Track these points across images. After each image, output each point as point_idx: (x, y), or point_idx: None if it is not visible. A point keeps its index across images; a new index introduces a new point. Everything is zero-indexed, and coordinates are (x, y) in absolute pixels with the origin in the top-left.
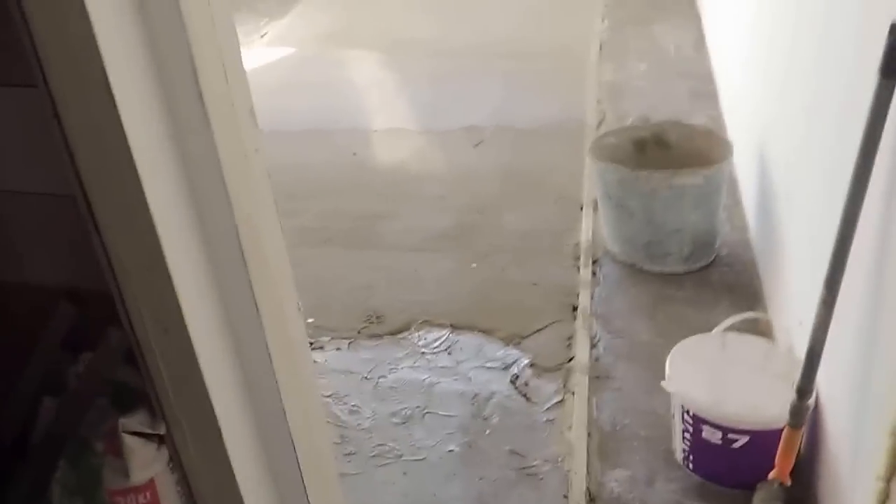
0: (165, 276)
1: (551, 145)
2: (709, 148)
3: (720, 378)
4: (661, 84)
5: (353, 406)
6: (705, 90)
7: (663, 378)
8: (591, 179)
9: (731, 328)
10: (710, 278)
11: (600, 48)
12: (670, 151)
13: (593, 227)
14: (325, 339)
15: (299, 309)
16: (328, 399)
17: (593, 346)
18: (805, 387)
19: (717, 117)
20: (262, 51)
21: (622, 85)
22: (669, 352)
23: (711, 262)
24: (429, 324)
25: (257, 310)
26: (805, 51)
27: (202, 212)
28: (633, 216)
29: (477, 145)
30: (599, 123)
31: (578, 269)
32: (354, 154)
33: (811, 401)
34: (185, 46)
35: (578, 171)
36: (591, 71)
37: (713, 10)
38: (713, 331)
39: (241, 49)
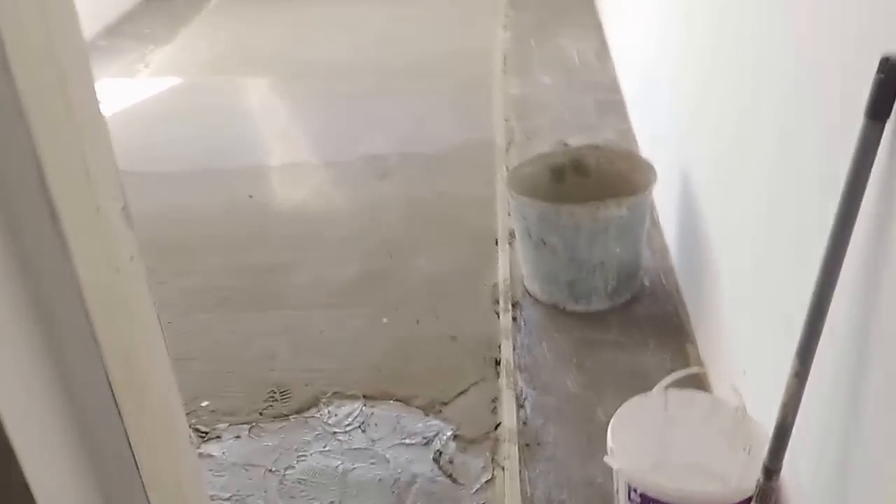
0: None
1: (461, 171)
2: (630, 171)
3: (667, 447)
4: (568, 97)
5: None
6: (612, 101)
7: (597, 439)
8: (506, 210)
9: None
10: (636, 313)
11: (504, 61)
12: (590, 178)
13: (510, 264)
14: (223, 426)
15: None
16: None
17: (520, 406)
18: (774, 466)
19: (627, 130)
20: (146, 81)
21: (529, 99)
22: (600, 406)
23: (635, 293)
24: (339, 396)
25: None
26: (730, 54)
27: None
28: (555, 253)
29: (381, 177)
30: (509, 144)
31: (498, 314)
32: (251, 196)
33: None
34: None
35: (490, 199)
36: (496, 86)
37: (614, 16)
38: (653, 390)
39: (123, 80)
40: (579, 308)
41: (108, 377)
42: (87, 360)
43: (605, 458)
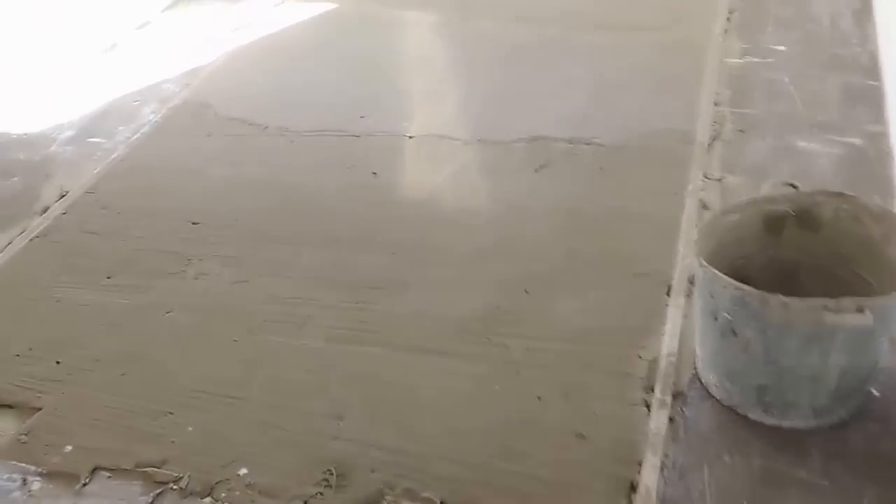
0: None
1: (641, 175)
2: (884, 239)
3: None
4: (806, 76)
5: None
6: (867, 87)
7: None
8: (691, 244)
9: None
10: (851, 442)
11: (729, 16)
12: (819, 234)
13: (681, 331)
14: None
15: None
16: None
17: None
18: None
19: (881, 135)
20: (294, 6)
21: (751, 75)
22: None
23: (856, 411)
24: (411, 496)
25: None
26: None
27: None
28: (746, 349)
29: (539, 169)
30: (713, 139)
31: (649, 407)
32: (374, 174)
33: None
34: None
35: (672, 223)
36: (711, 52)
37: None
38: None
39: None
40: (769, 421)
41: None
42: None
43: None
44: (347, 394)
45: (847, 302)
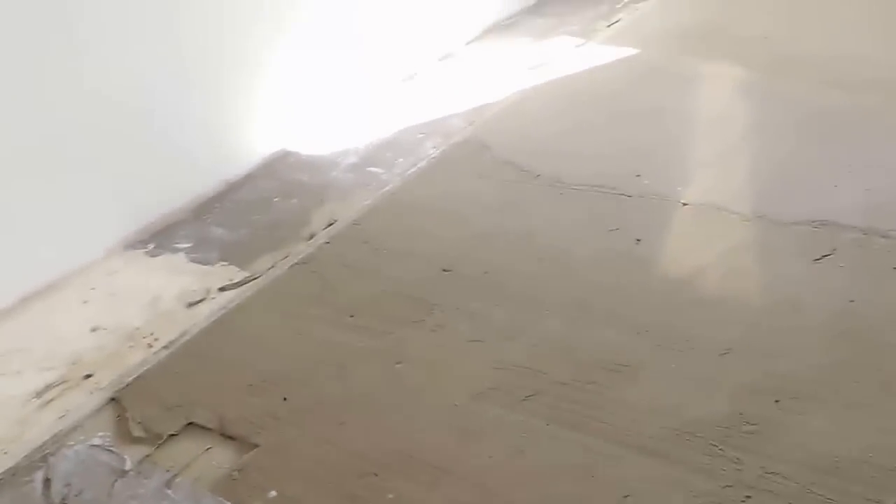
0: None
1: None
2: None
3: None
4: None
5: None
6: None
7: None
8: None
9: None
10: None
11: None
12: None
13: None
14: None
15: None
16: None
17: None
18: None
19: None
20: (597, 49)
21: None
22: None
23: None
24: None
25: None
26: None
27: None
28: None
29: (821, 258)
30: None
31: None
32: (637, 241)
33: None
34: None
35: None
36: None
37: None
38: None
39: (577, 41)
40: None
41: None
42: None
43: None
44: (555, 487)
45: None
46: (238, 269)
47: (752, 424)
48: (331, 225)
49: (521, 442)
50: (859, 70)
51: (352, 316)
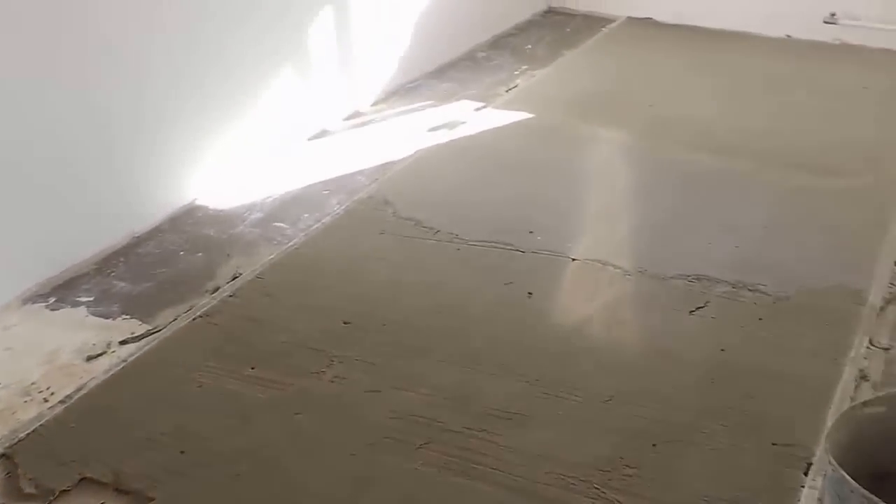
0: None
1: (802, 331)
2: None
3: None
4: None
5: None
6: None
7: None
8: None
9: None
10: None
11: None
12: None
13: None
14: None
15: None
16: None
17: None
18: None
19: None
20: (496, 112)
21: None
22: None
23: None
24: None
25: None
26: None
27: None
28: None
29: (695, 311)
30: (887, 303)
31: None
32: (529, 295)
33: None
34: None
35: (825, 391)
36: None
37: None
38: None
39: (477, 104)
40: None
41: None
42: None
43: None
44: None
45: None
46: (140, 322)
47: (632, 468)
48: (235, 278)
49: (413, 489)
50: (730, 136)
51: (253, 368)
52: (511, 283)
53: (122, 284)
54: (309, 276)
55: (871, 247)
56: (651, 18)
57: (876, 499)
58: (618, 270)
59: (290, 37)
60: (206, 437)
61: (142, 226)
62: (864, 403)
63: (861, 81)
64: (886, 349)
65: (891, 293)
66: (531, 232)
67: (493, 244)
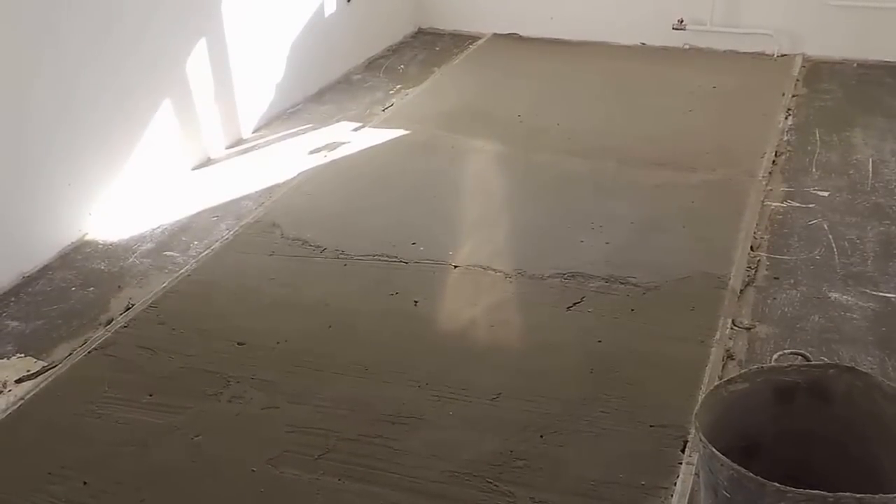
0: None
1: (671, 318)
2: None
3: None
4: (845, 223)
5: None
6: None
7: None
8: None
9: None
10: None
11: (775, 158)
12: (832, 407)
13: (691, 491)
14: None
15: None
16: None
17: None
18: None
19: None
20: (373, 131)
21: (791, 221)
22: None
23: None
24: None
25: None
26: None
27: None
28: None
29: (572, 307)
30: (746, 285)
31: None
32: (416, 303)
33: None
34: None
35: (695, 372)
36: (754, 195)
37: None
38: None
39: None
40: None
41: None
42: None
43: None
44: None
45: (847, 498)
46: (35, 360)
47: (522, 460)
48: (128, 309)
49: (315, 499)
50: (596, 140)
51: (150, 395)
52: (397, 293)
53: (15, 324)
54: (202, 301)
55: (728, 235)
56: (516, 33)
57: (743, 470)
58: (498, 274)
59: (170, 71)
60: (108, 466)
61: (31, 265)
62: (728, 381)
63: (710, 81)
64: (748, 329)
65: (749, 277)
66: (414, 243)
67: (378, 258)
